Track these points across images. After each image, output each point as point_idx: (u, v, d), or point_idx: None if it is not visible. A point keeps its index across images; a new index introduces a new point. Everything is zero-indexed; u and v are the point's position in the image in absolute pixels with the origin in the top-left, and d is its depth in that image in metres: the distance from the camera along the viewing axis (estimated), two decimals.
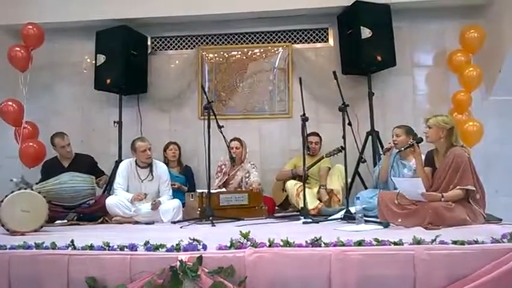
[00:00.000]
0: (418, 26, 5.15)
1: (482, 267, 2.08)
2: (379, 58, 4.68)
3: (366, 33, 4.67)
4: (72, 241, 2.34)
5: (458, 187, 3.19)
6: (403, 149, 3.46)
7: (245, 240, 2.27)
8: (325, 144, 4.84)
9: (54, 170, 4.43)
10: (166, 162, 4.89)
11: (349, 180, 4.34)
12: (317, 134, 4.83)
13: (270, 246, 2.23)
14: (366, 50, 4.68)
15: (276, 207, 4.73)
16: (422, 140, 3.45)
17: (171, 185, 4.57)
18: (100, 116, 5.50)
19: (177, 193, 4.61)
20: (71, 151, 4.64)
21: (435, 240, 2.24)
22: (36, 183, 4.26)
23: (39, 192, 3.51)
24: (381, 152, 4.27)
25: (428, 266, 2.11)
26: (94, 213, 4.24)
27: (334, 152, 4.47)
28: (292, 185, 4.50)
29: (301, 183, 4.20)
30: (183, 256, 2.14)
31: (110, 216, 4.18)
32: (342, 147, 4.16)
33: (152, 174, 4.40)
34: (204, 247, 2.25)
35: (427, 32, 5.16)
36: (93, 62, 5.24)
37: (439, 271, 2.09)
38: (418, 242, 2.23)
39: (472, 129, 4.67)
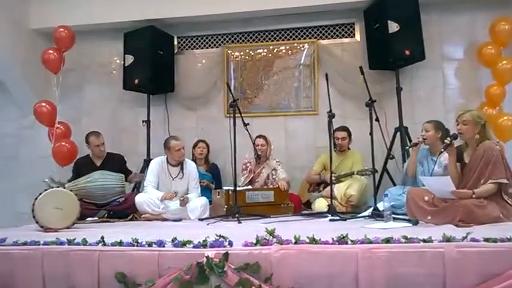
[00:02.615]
0: (447, 19, 5.01)
1: None
2: (407, 52, 4.59)
3: (393, 27, 4.59)
4: (102, 237, 2.39)
5: (490, 181, 3.08)
6: (442, 150, 3.31)
7: (271, 237, 2.27)
8: (353, 140, 4.74)
9: (86, 168, 4.54)
10: (194, 159, 4.94)
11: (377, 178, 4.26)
12: (344, 129, 4.64)
13: (295, 243, 2.22)
14: (393, 44, 4.60)
15: (302, 205, 4.70)
16: (457, 137, 3.30)
17: (200, 182, 4.62)
18: (129, 115, 5.62)
19: (204, 191, 4.66)
20: (104, 150, 4.74)
21: (466, 237, 2.17)
22: (69, 181, 4.41)
23: (70, 190, 3.62)
24: (406, 147, 4.17)
25: (458, 264, 2.04)
26: (124, 210, 4.32)
27: (366, 172, 4.20)
28: (322, 206, 4.34)
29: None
30: (210, 252, 2.15)
31: (139, 213, 4.26)
32: (375, 169, 3.95)
33: (183, 172, 4.45)
34: (230, 244, 2.26)
35: (457, 25, 5.01)
36: (122, 62, 5.36)
37: (469, 269, 2.03)
38: (448, 239, 2.16)
39: (507, 123, 4.53)
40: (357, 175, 4.33)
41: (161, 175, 4.44)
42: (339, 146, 4.60)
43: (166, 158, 4.48)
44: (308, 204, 4.69)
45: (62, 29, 5.05)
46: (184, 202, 4.22)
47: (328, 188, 4.17)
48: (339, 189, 4.39)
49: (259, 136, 4.73)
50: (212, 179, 5.01)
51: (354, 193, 4.33)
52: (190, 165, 4.54)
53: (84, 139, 4.74)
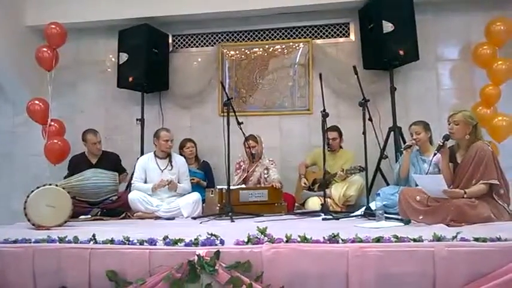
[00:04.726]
0: (442, 19, 5.03)
1: (504, 265, 2.02)
2: (401, 52, 4.59)
3: (387, 27, 4.60)
4: (93, 235, 2.39)
5: (481, 181, 3.10)
6: (436, 151, 3.31)
7: (262, 235, 2.28)
8: (346, 140, 4.75)
9: (81, 166, 4.53)
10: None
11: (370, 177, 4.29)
12: (335, 129, 4.65)
13: (287, 242, 2.23)
14: (387, 44, 4.61)
15: (296, 204, 4.70)
16: (449, 137, 3.32)
17: (191, 179, 4.64)
18: (123, 113, 5.59)
19: (196, 188, 4.66)
20: (100, 148, 4.76)
21: (456, 237, 2.18)
22: (64, 177, 4.39)
23: (63, 188, 3.60)
24: (401, 149, 4.18)
25: (448, 263, 2.06)
26: (117, 208, 4.32)
27: (354, 170, 4.27)
28: (315, 204, 4.36)
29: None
30: (201, 251, 2.16)
31: (132, 211, 4.26)
32: (362, 167, 4.03)
33: (171, 165, 4.51)
34: (222, 242, 2.27)
35: (452, 25, 5.03)
36: (116, 60, 5.33)
37: (459, 269, 2.04)
38: (438, 238, 2.18)
39: (502, 124, 4.56)
40: (346, 174, 4.36)
41: (149, 169, 4.48)
42: (331, 146, 4.61)
43: (154, 152, 4.54)
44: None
45: (53, 26, 4.99)
46: (173, 186, 4.30)
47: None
48: (337, 189, 4.41)
49: (248, 138, 4.53)
50: (204, 176, 5.00)
51: (354, 193, 4.35)
52: (179, 159, 4.62)
53: (81, 137, 4.74)
